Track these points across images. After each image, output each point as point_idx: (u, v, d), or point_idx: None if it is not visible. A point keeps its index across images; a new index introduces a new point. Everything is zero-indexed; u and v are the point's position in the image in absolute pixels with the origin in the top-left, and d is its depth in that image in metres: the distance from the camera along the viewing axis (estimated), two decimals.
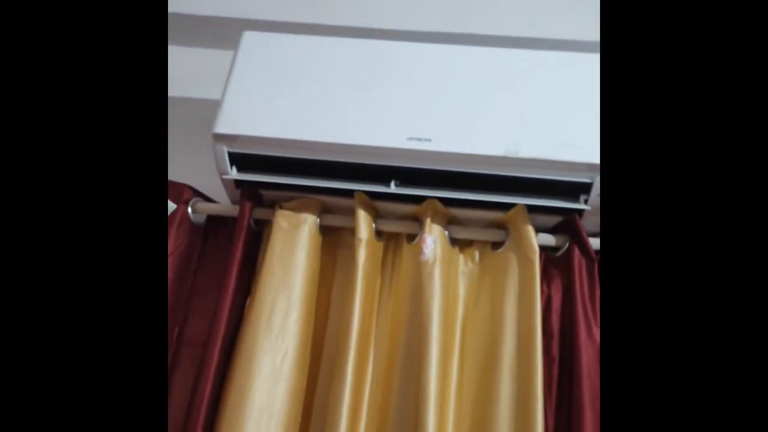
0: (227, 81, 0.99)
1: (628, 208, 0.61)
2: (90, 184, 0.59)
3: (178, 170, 1.05)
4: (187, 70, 1.32)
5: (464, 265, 1.02)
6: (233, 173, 0.99)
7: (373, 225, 0.99)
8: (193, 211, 1.05)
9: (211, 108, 0.99)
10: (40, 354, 0.54)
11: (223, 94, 0.98)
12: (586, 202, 0.93)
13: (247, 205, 0.99)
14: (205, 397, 0.85)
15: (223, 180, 1.01)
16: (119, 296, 0.57)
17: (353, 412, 0.86)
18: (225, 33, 1.26)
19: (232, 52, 1.04)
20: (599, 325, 0.91)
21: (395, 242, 1.04)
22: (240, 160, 0.98)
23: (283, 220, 0.99)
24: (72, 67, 0.61)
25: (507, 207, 0.97)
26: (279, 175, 0.98)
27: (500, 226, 1.00)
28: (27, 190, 0.57)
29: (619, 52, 0.64)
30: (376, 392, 0.92)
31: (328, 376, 0.92)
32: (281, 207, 1.01)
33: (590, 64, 0.96)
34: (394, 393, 0.88)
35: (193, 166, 1.09)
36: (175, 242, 1.01)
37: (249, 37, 1.04)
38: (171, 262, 1.00)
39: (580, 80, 0.95)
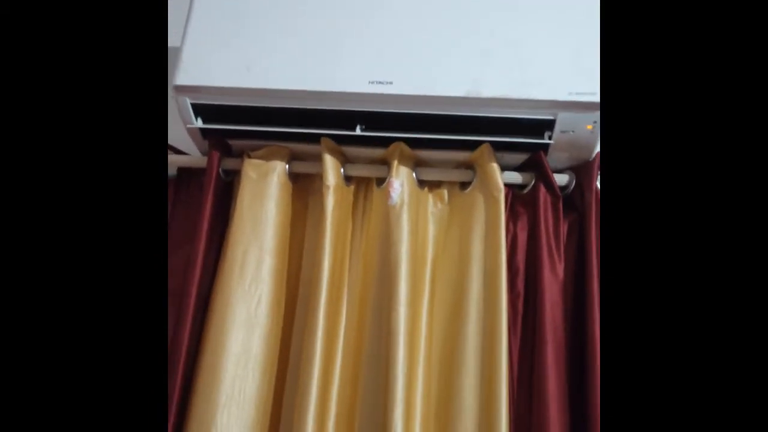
0: (185, 29, 0.97)
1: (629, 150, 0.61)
2: (87, 149, 0.60)
3: None
4: None
5: (434, 206, 1.03)
6: (198, 123, 0.98)
7: (342, 170, 1.00)
8: None
9: (172, 55, 0.98)
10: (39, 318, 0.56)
11: (182, 43, 0.96)
12: (550, 138, 0.93)
13: (215, 155, 0.99)
14: (184, 344, 0.88)
15: (188, 130, 1.00)
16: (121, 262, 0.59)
17: (327, 354, 0.90)
18: None
19: None
20: (563, 261, 0.94)
21: (366, 186, 1.05)
22: (205, 111, 0.98)
23: (251, 169, 0.99)
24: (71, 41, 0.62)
25: (474, 146, 0.97)
26: (245, 124, 0.98)
27: (468, 166, 1.01)
28: (28, 164, 0.58)
29: None
30: (350, 334, 0.95)
31: (302, 322, 0.95)
32: (249, 156, 1.01)
33: None
34: (367, 334, 0.92)
35: None
36: None
37: None
38: None
39: (541, 14, 0.93)
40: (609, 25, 0.65)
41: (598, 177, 0.94)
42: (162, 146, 0.67)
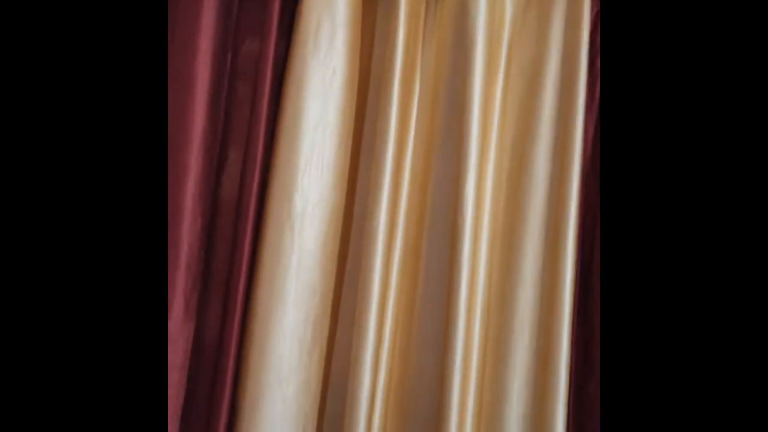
0: None
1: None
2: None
3: None
4: None
5: None
6: None
7: None
8: None
9: None
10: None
11: None
12: None
13: None
14: (263, 115, 0.89)
15: None
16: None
17: (399, 140, 0.91)
18: None
19: None
20: None
21: None
22: None
23: None
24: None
25: None
26: None
27: None
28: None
29: None
30: (424, 113, 0.95)
31: (375, 102, 0.95)
32: None
33: None
34: (439, 112, 0.92)
35: None
36: None
37: None
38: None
39: None
40: None
41: None
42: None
